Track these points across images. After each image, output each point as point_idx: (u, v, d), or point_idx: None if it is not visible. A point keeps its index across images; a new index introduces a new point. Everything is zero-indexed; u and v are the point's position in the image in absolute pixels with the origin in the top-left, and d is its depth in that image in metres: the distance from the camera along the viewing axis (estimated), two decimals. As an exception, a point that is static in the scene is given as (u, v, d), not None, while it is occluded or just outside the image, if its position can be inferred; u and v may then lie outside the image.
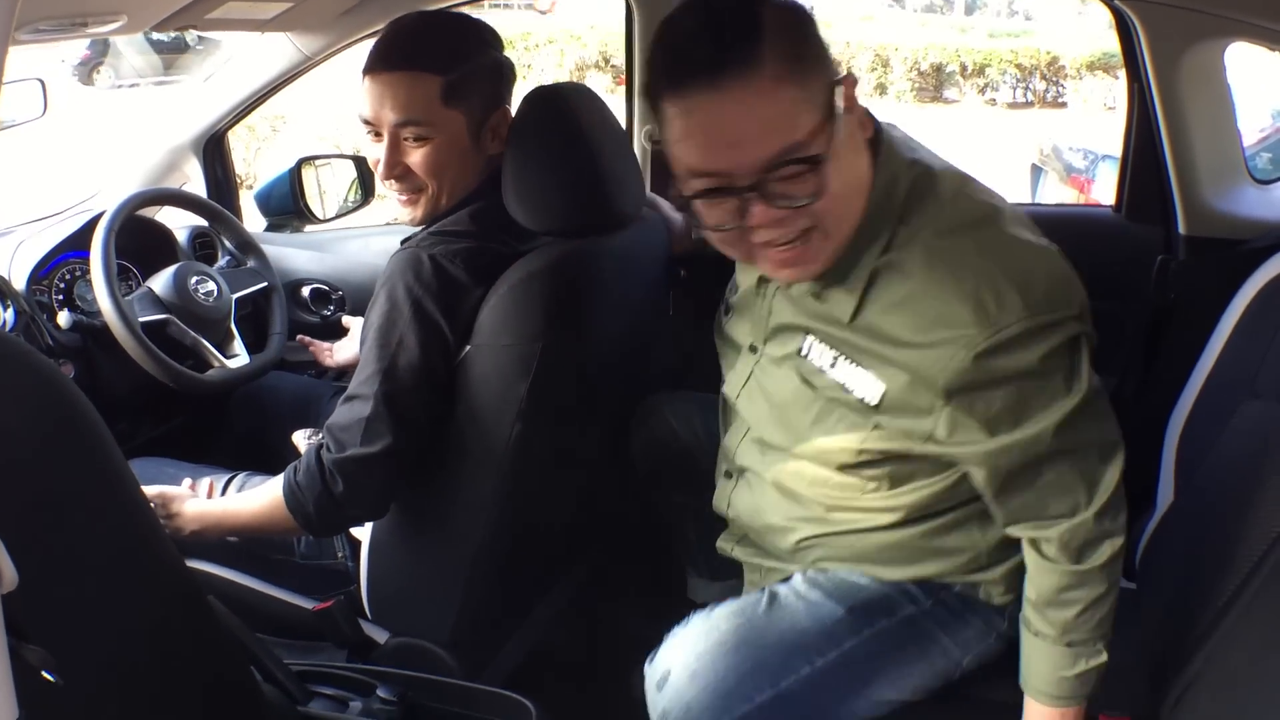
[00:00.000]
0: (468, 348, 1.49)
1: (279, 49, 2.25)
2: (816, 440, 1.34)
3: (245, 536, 1.71)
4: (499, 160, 1.56)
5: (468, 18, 1.63)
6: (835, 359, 1.30)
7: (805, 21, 1.18)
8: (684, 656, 1.37)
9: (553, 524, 1.86)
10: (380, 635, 1.69)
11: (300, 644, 1.70)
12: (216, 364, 2.04)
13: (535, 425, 1.53)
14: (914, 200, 1.24)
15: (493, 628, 1.80)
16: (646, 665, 1.43)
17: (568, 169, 1.53)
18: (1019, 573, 1.37)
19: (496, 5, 16.57)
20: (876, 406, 1.27)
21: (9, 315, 1.93)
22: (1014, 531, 1.32)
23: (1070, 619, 1.30)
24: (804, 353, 1.34)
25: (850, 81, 1.19)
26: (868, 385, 1.27)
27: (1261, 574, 1.29)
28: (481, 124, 1.56)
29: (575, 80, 11.24)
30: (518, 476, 1.55)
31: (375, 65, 1.52)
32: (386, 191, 1.63)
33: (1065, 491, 1.26)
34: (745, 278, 1.46)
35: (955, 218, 1.23)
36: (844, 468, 1.34)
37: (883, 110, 1.39)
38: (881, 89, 13.05)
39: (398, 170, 1.54)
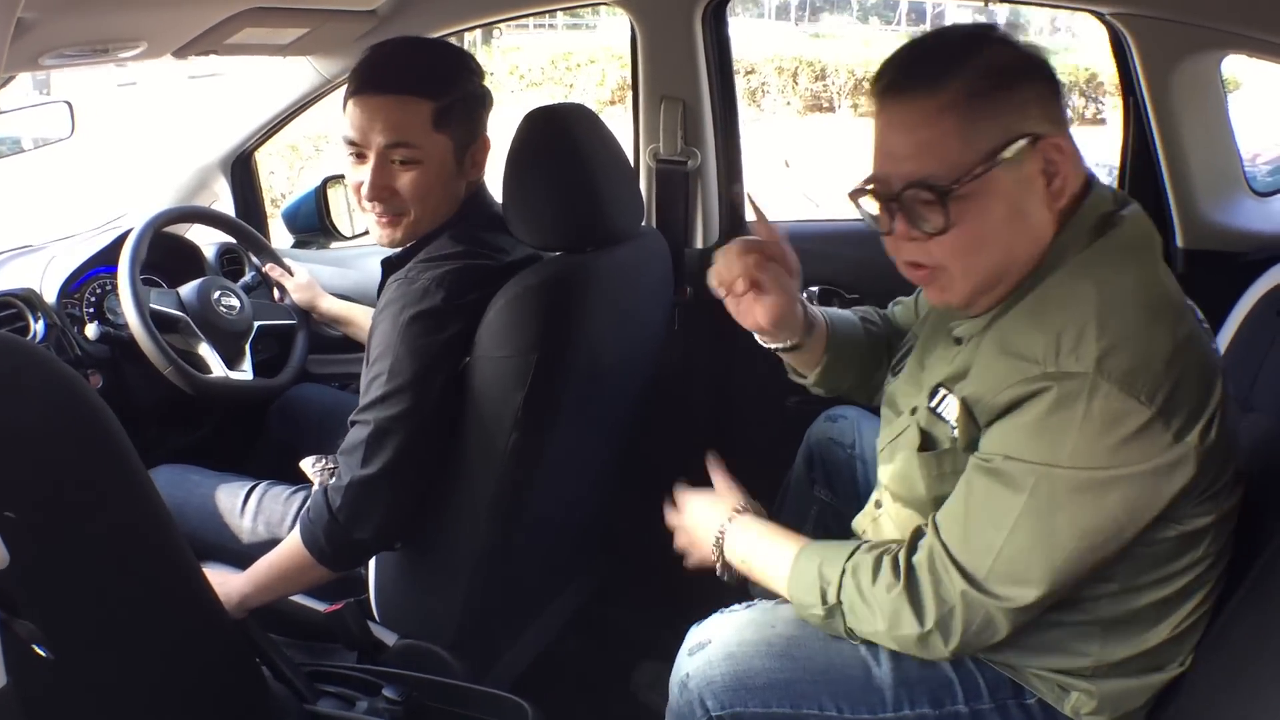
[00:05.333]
0: (467, 359, 1.54)
1: (301, 72, 2.33)
2: (935, 494, 1.30)
3: (282, 594, 1.68)
4: (475, 186, 1.62)
5: (453, 46, 1.67)
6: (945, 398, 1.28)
7: (1021, 70, 1.18)
8: (729, 635, 1.37)
9: (555, 532, 1.89)
10: (389, 637, 1.73)
11: (313, 645, 1.76)
12: (218, 372, 2.05)
13: (532, 434, 1.57)
14: (1095, 240, 1.22)
15: (496, 632, 1.83)
16: (693, 628, 1.43)
17: (564, 186, 1.58)
18: (1121, 695, 1.31)
19: (541, 26, 16.64)
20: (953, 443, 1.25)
21: (40, 327, 2.01)
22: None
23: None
24: (934, 404, 1.29)
25: (1051, 145, 1.17)
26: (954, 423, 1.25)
27: (1247, 582, 1.28)
28: (465, 150, 1.60)
29: (616, 100, 11.37)
30: (516, 484, 1.59)
31: (365, 87, 1.54)
32: (364, 212, 1.63)
33: (979, 534, 1.18)
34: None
35: (1103, 259, 1.19)
36: None
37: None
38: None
39: (384, 193, 1.56)
